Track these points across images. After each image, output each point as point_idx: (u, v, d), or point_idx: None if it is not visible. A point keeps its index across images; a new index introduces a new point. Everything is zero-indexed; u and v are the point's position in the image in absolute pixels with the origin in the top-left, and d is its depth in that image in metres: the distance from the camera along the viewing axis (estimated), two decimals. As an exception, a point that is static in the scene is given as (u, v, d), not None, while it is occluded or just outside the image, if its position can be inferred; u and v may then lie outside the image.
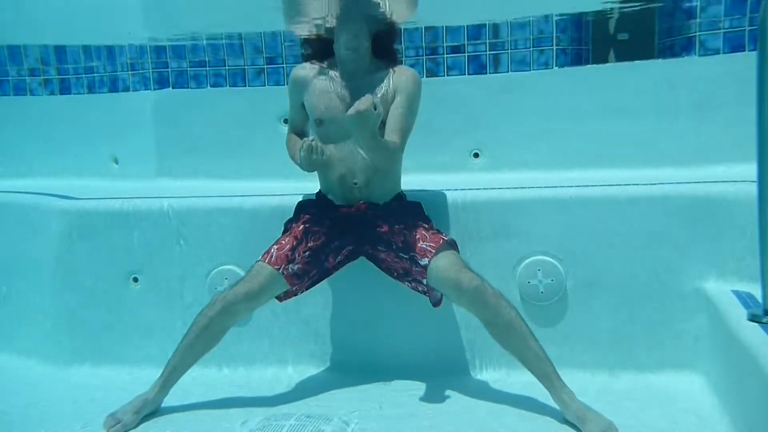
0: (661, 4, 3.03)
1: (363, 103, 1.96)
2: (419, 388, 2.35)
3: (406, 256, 2.22)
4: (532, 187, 2.52)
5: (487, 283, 2.11)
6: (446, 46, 3.13)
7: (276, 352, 2.61)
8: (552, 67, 3.07)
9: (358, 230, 2.31)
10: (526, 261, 2.45)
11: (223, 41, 3.30)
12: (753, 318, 1.92)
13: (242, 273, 2.37)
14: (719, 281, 2.31)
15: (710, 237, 2.33)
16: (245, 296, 2.18)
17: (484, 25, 3.08)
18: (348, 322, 2.60)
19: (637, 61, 2.99)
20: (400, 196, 2.40)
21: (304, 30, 2.46)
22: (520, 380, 2.23)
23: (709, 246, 2.33)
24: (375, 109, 1.98)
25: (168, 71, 3.39)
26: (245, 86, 3.32)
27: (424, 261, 2.16)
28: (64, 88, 3.68)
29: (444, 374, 2.44)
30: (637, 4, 2.95)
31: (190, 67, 3.36)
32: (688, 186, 2.40)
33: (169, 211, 2.67)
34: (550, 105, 3.04)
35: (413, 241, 2.21)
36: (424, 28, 3.12)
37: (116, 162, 3.59)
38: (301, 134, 2.46)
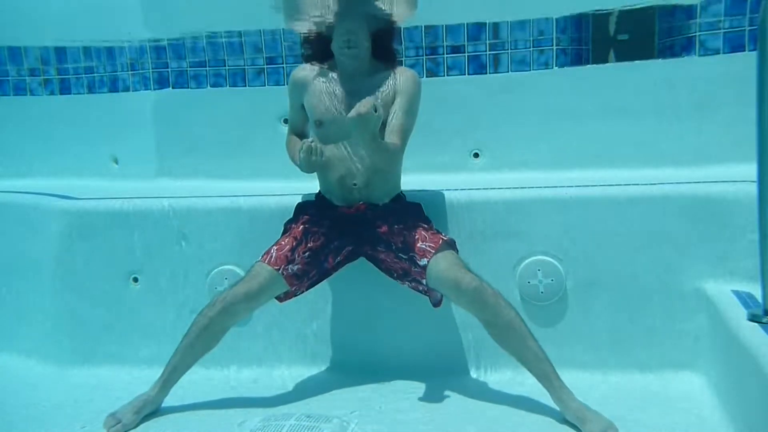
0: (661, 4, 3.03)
1: (364, 105, 1.96)
2: (419, 388, 2.35)
3: (405, 257, 2.22)
4: (532, 187, 2.52)
5: (486, 283, 2.11)
6: (446, 46, 3.13)
7: (276, 352, 2.61)
8: (552, 67, 3.07)
9: (357, 231, 2.31)
10: (526, 261, 2.45)
11: (223, 40, 3.30)
12: (753, 318, 1.92)
13: (242, 273, 2.37)
14: (719, 281, 2.31)
15: (710, 237, 2.33)
16: (245, 296, 2.18)
17: (484, 25, 3.08)
18: (348, 322, 2.60)
19: (637, 61, 2.99)
20: (400, 197, 2.40)
21: (303, 28, 2.45)
22: (520, 380, 2.24)
23: (709, 246, 2.33)
24: (376, 111, 1.98)
25: (168, 71, 3.39)
26: (245, 86, 3.32)
27: (423, 261, 2.16)
28: (64, 88, 3.68)
29: (444, 374, 2.44)
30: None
31: (190, 67, 3.36)
32: (688, 186, 2.40)
33: (169, 211, 2.67)
34: (550, 105, 3.04)
35: (412, 242, 2.21)
36: (424, 28, 3.12)
37: (116, 162, 3.59)
38: (301, 135, 2.46)
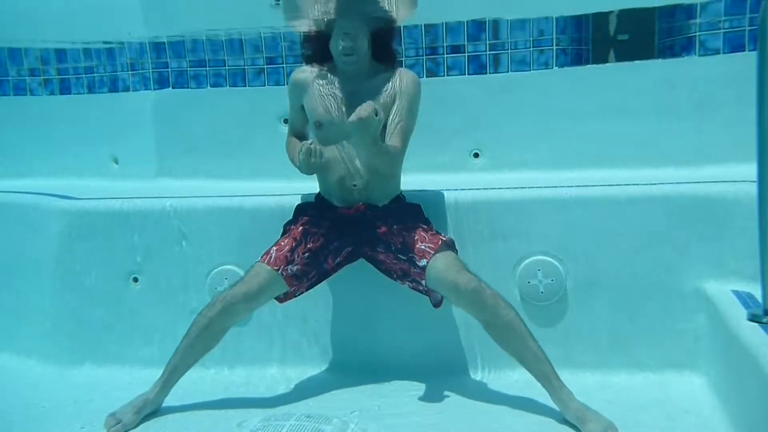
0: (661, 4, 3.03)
1: (364, 109, 1.97)
2: (419, 388, 2.35)
3: (404, 258, 2.22)
4: (532, 187, 2.51)
5: (485, 284, 2.11)
6: (446, 46, 3.13)
7: (276, 353, 2.61)
8: (552, 67, 3.06)
9: (357, 231, 2.31)
10: (526, 261, 2.45)
11: (223, 39, 3.30)
12: (753, 318, 1.92)
13: (242, 273, 2.36)
14: (719, 281, 2.31)
15: (710, 237, 2.33)
16: (244, 297, 2.18)
17: (484, 25, 3.08)
18: (348, 322, 2.60)
19: (637, 61, 2.99)
20: (400, 198, 2.40)
21: (303, 26, 2.45)
22: (520, 380, 2.23)
23: (709, 246, 2.33)
24: (376, 115, 1.98)
25: (168, 71, 3.39)
26: (245, 86, 3.32)
27: (423, 262, 2.16)
28: (64, 88, 3.68)
29: (444, 374, 2.44)
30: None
31: (190, 67, 3.36)
32: (688, 186, 2.40)
33: (169, 211, 2.67)
34: (550, 105, 3.04)
35: (412, 242, 2.21)
36: (424, 28, 3.12)
37: (116, 162, 3.59)
38: (301, 137, 2.46)
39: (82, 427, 2.15)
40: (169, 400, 2.25)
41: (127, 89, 3.52)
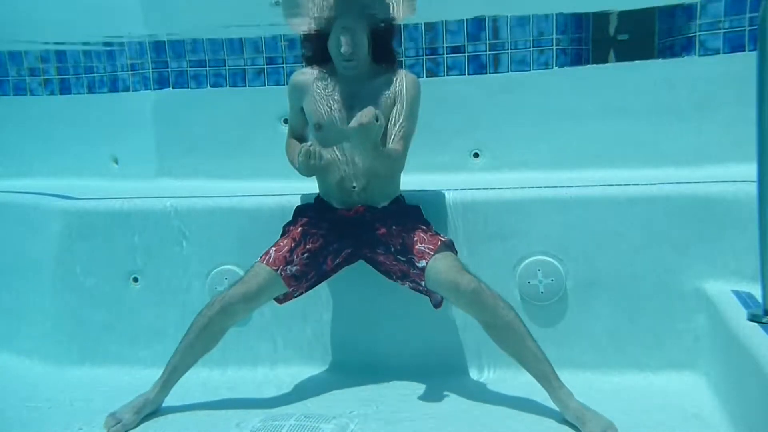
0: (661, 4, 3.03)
1: (365, 115, 1.97)
2: (419, 388, 2.35)
3: (404, 259, 2.22)
4: (532, 187, 2.51)
5: (484, 284, 2.11)
6: (446, 46, 3.13)
7: (276, 353, 2.61)
8: (552, 67, 3.06)
9: (356, 233, 2.30)
10: (526, 261, 2.45)
11: (223, 39, 3.30)
12: (753, 318, 1.92)
13: (242, 273, 2.36)
14: (719, 281, 2.31)
15: (710, 237, 2.33)
16: (243, 297, 2.18)
17: (484, 25, 3.08)
18: (347, 322, 2.60)
19: (637, 61, 2.99)
20: (399, 200, 2.40)
21: (303, 24, 2.45)
22: (520, 380, 2.23)
23: (709, 246, 2.33)
24: (377, 120, 1.99)
25: (168, 71, 3.39)
26: (245, 86, 3.32)
27: (422, 263, 2.16)
28: (64, 88, 3.68)
29: (444, 374, 2.44)
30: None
31: (190, 67, 3.36)
32: (688, 186, 2.40)
33: (169, 211, 2.67)
34: (550, 105, 3.04)
35: (411, 243, 2.20)
36: (424, 28, 3.12)
37: (116, 162, 3.59)
38: (300, 138, 2.45)
39: (82, 426, 2.15)
40: (169, 400, 2.25)
41: (127, 89, 3.52)
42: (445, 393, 2.30)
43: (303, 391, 2.40)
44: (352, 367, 2.54)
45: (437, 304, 2.29)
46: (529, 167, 3.02)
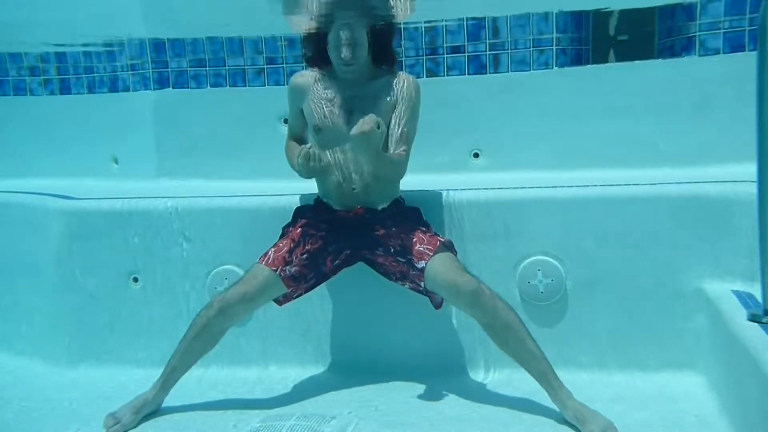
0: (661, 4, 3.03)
1: (367, 123, 1.97)
2: (418, 388, 2.35)
3: (403, 260, 2.22)
4: (532, 187, 2.51)
5: (484, 285, 2.11)
6: (446, 46, 3.13)
7: (275, 353, 2.61)
8: (552, 67, 3.06)
9: (355, 234, 2.30)
10: (526, 261, 2.45)
11: (223, 39, 3.30)
12: (753, 318, 1.91)
13: (242, 273, 2.36)
14: (719, 281, 2.31)
15: (710, 237, 2.33)
16: (242, 298, 2.18)
17: (484, 25, 3.08)
18: (347, 322, 2.60)
19: (637, 61, 2.99)
20: (399, 201, 2.39)
21: (302, 21, 2.44)
22: (520, 380, 2.23)
23: (709, 246, 2.33)
24: (378, 128, 1.99)
25: (168, 71, 3.39)
26: (245, 86, 3.32)
27: (421, 264, 2.15)
28: (64, 88, 3.68)
29: (443, 374, 2.43)
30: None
31: (190, 67, 3.36)
32: (688, 186, 2.40)
33: (170, 211, 2.67)
34: (550, 105, 3.04)
35: (410, 244, 2.20)
36: (424, 28, 3.12)
37: (116, 162, 3.59)
38: (300, 140, 2.44)
39: (82, 426, 2.15)
40: (169, 401, 2.25)
41: (127, 89, 3.52)
42: (445, 393, 2.29)
43: (303, 391, 2.40)
44: (352, 367, 2.53)
45: (438, 306, 2.29)
46: (529, 167, 3.02)
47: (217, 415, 2.20)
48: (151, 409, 2.20)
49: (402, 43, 3.09)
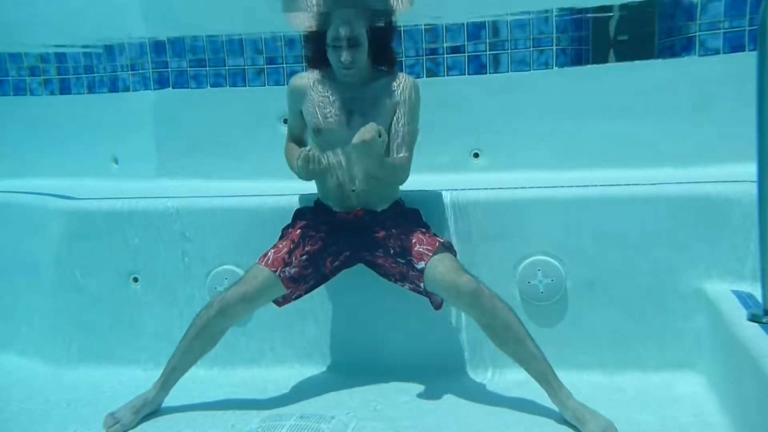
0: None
1: (368, 131, 1.98)
2: (418, 388, 2.35)
3: (403, 261, 2.22)
4: (532, 187, 2.51)
5: (483, 285, 2.11)
6: (446, 46, 3.13)
7: (275, 353, 2.61)
8: (552, 67, 3.06)
9: (355, 236, 2.30)
10: (526, 261, 2.45)
11: (223, 38, 3.30)
12: (753, 318, 1.92)
13: (242, 273, 2.36)
14: (719, 281, 2.31)
15: (710, 237, 2.33)
16: (242, 298, 2.17)
17: (484, 25, 3.08)
18: (347, 322, 2.59)
19: (637, 61, 2.99)
20: (399, 203, 2.39)
21: (301, 19, 2.44)
22: (519, 381, 2.23)
23: (709, 246, 2.33)
24: (380, 136, 2.00)
25: (168, 71, 3.39)
26: (245, 86, 3.32)
27: (421, 264, 2.15)
28: (64, 88, 3.69)
29: (443, 374, 2.44)
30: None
31: (190, 67, 3.36)
32: (688, 186, 2.40)
33: (170, 211, 2.67)
34: (550, 105, 3.04)
35: (410, 245, 2.20)
36: (424, 28, 3.12)
37: (116, 162, 3.59)
38: (299, 142, 2.44)
39: (81, 426, 2.15)
40: (169, 401, 2.25)
41: (127, 89, 3.52)
42: (445, 393, 2.29)
43: (302, 391, 2.40)
44: (351, 367, 2.53)
45: (438, 307, 2.29)
46: (529, 167, 3.02)
47: (217, 415, 2.20)
48: (151, 409, 2.20)
49: (402, 43, 3.09)
